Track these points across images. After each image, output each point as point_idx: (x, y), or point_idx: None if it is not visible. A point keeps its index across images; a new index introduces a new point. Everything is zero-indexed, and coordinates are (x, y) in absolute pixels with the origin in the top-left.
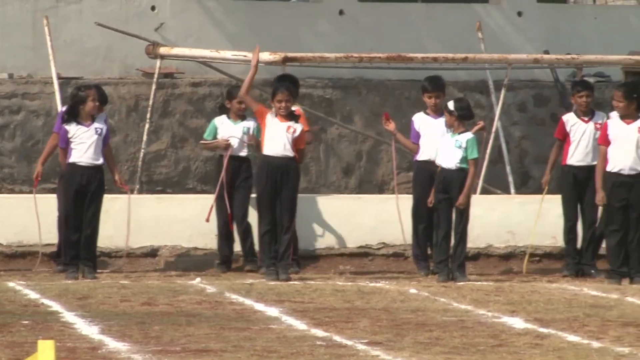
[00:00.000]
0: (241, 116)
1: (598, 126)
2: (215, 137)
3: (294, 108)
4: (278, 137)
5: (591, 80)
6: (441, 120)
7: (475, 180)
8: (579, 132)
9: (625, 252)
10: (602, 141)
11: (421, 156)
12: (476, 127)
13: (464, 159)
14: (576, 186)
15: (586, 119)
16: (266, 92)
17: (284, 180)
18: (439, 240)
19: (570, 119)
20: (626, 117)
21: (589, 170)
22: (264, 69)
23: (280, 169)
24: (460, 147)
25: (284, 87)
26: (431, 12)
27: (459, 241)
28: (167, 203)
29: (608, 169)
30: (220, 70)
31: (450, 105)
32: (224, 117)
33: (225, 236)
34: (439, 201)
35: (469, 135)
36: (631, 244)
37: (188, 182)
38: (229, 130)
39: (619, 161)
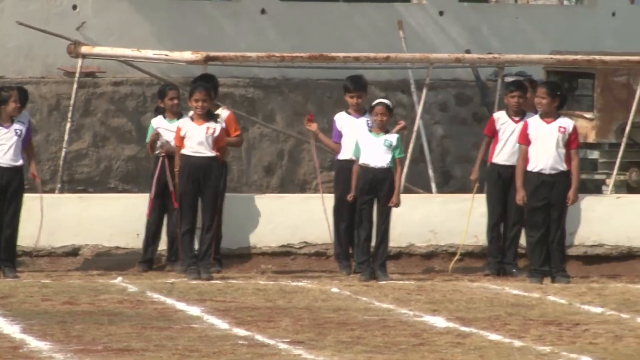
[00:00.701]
0: (177, 113)
1: None
2: None
3: (226, 112)
4: (197, 139)
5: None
6: (363, 120)
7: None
8: (508, 131)
9: (546, 251)
10: (523, 140)
11: (343, 155)
12: (398, 127)
13: (393, 159)
14: (500, 185)
15: (516, 119)
16: (187, 91)
17: (206, 180)
18: (360, 240)
19: (500, 117)
20: (546, 116)
21: (514, 169)
22: (186, 68)
23: (202, 168)
24: (390, 146)
25: (201, 87)
26: (353, 12)
27: (381, 240)
28: (89, 202)
29: (529, 168)
30: (142, 69)
31: (389, 104)
32: (160, 117)
33: (152, 235)
34: (364, 202)
35: (395, 134)
36: (552, 243)
37: (110, 181)
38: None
39: (540, 161)
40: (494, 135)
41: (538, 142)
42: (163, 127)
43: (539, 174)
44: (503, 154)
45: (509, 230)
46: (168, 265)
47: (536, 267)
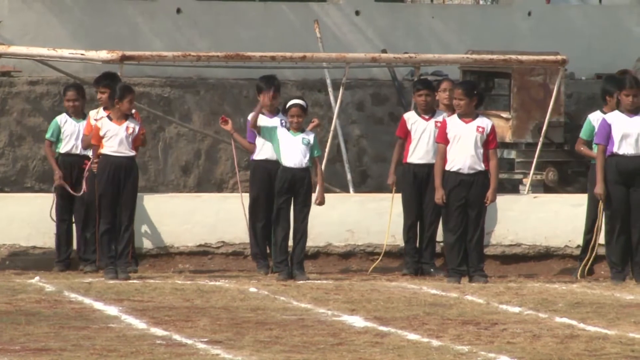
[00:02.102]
0: (78, 114)
1: (438, 124)
2: (59, 136)
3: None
4: (118, 138)
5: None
6: (276, 119)
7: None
8: (419, 130)
9: (464, 251)
10: (441, 140)
11: (258, 155)
12: (312, 125)
13: (311, 158)
14: (416, 184)
15: (427, 117)
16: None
17: (126, 179)
18: (278, 240)
19: (411, 117)
20: (465, 115)
21: (429, 168)
22: (102, 67)
23: (123, 167)
24: (308, 144)
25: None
26: (269, 11)
27: (299, 239)
28: (6, 202)
29: (447, 167)
30: (58, 68)
31: (304, 104)
32: (64, 115)
33: (64, 235)
34: (282, 201)
35: (311, 133)
36: (470, 242)
37: (26, 180)
38: (71, 128)
39: (458, 160)
40: (406, 136)
41: (456, 142)
42: (69, 125)
43: (457, 173)
44: (417, 152)
45: (426, 229)
46: (86, 267)
47: (454, 266)
